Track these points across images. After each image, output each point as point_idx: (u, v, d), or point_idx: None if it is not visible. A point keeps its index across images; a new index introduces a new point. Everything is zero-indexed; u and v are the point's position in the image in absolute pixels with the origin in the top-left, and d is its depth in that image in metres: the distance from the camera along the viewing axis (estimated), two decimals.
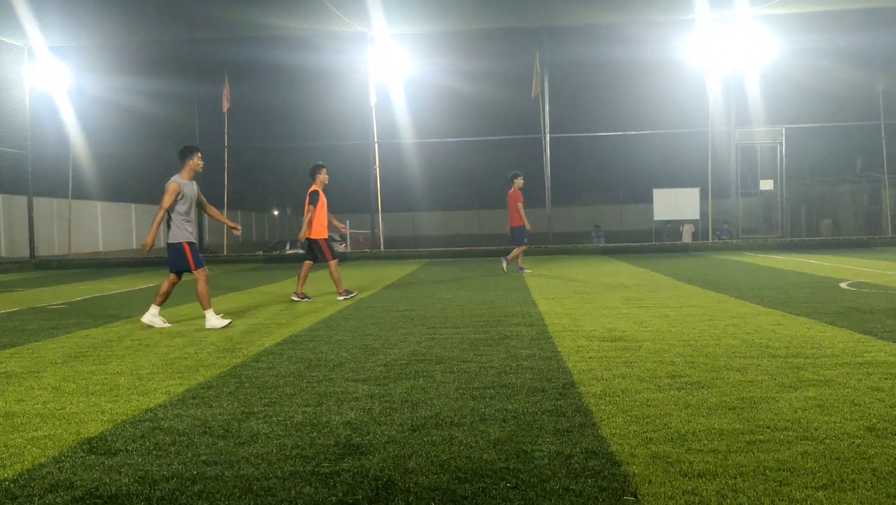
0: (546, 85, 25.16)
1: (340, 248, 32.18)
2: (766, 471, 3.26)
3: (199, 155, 8.63)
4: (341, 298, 11.25)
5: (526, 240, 15.72)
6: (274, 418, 4.38)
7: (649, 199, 27.73)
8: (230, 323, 8.56)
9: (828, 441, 3.64)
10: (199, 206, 8.83)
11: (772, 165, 25.50)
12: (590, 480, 3.22)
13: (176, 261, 8.61)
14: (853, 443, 3.60)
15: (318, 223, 11.35)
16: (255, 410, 4.60)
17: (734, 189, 25.79)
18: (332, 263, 11.45)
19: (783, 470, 3.27)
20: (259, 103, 35.23)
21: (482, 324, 8.06)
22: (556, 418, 4.18)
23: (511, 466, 3.42)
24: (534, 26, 25.19)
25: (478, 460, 3.52)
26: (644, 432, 3.88)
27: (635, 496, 3.03)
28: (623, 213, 42.90)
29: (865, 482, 3.10)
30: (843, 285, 11.11)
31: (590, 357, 5.96)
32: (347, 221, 31.74)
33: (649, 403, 4.47)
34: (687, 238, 29.17)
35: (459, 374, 5.45)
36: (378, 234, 26.12)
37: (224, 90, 26.19)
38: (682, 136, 28.63)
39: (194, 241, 8.65)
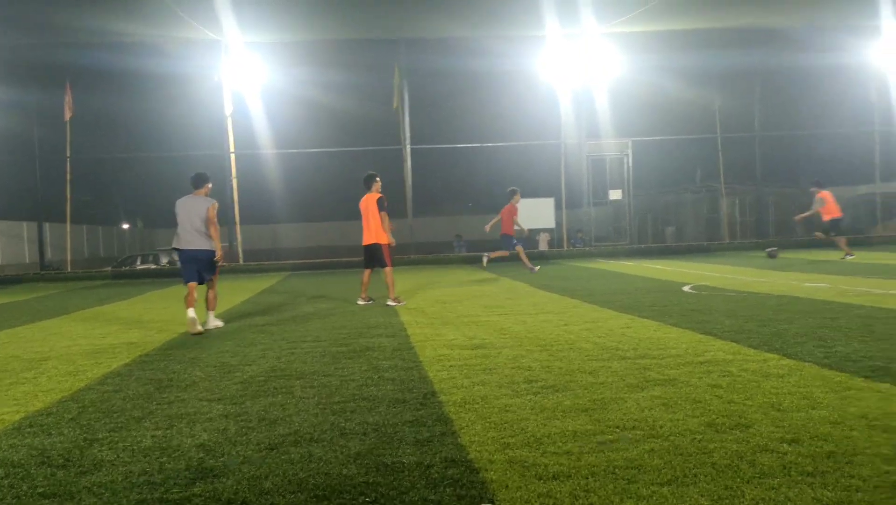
0: (406, 96, 25.36)
1: None
2: (616, 470, 3.40)
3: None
4: (391, 303, 11.22)
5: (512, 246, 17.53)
6: (120, 444, 4.13)
7: None
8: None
9: (672, 438, 3.83)
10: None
11: (620, 176, 26.84)
12: (448, 489, 3.23)
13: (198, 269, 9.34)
14: (695, 439, 3.81)
15: (384, 228, 11.46)
16: (100, 436, 4.32)
17: (586, 199, 26.93)
18: (390, 269, 11.53)
19: (631, 468, 3.41)
20: (106, 112, 33.36)
21: (344, 336, 7.97)
22: (416, 429, 4.18)
23: (371, 480, 3.39)
24: (391, 38, 25.32)
25: (337, 476, 3.46)
26: (502, 438, 3.94)
27: (492, 502, 3.07)
28: (484, 222, 43.82)
29: (706, 476, 3.28)
30: (685, 289, 11.81)
31: (451, 366, 6.01)
32: None
33: (507, 408, 4.56)
34: (543, 246, 30.14)
35: (320, 388, 5.36)
36: (237, 246, 25.35)
37: (66, 98, 24.69)
38: (538, 148, 29.60)
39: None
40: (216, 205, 9.41)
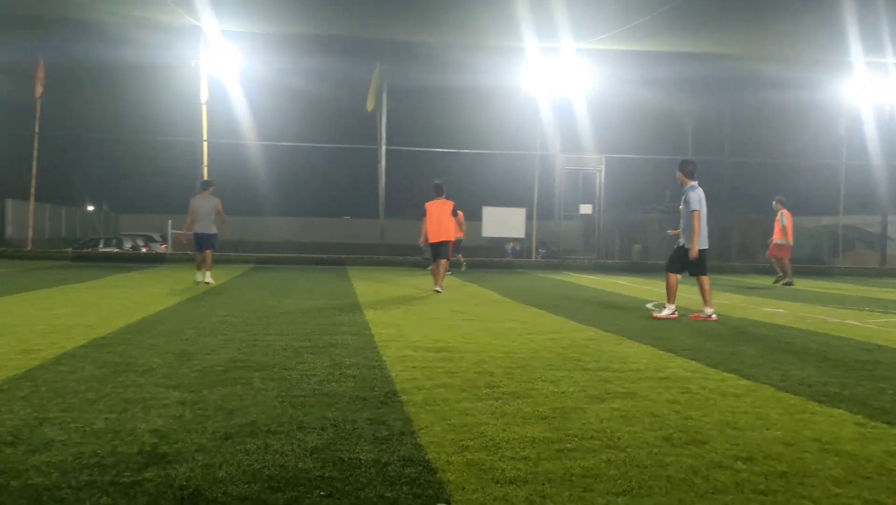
0: (385, 97, 25.32)
1: (161, 248, 30.64)
2: (573, 477, 3.41)
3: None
4: (438, 289, 13.49)
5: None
6: (72, 425, 4.05)
7: (479, 217, 28.55)
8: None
9: (629, 450, 3.86)
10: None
11: (592, 191, 27.05)
12: (405, 488, 3.22)
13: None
14: (651, 451, 3.84)
15: (460, 229, 14.78)
16: (51, 415, 4.23)
17: (557, 211, 27.08)
18: (446, 262, 14.13)
19: (588, 477, 3.42)
20: (80, 91, 32.81)
21: (307, 332, 7.91)
22: (375, 427, 4.16)
23: (327, 475, 3.36)
24: (371, 38, 25.27)
25: (293, 469, 3.43)
26: (461, 440, 3.94)
27: (448, 503, 3.07)
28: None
29: (661, 488, 3.31)
30: (648, 305, 11.92)
31: (413, 367, 6.00)
32: (170, 221, 30.30)
33: (468, 412, 4.56)
34: (511, 256, 30.27)
35: (280, 381, 5.31)
36: None
37: (38, 74, 24.24)
38: (513, 158, 29.79)
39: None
40: (221, 203, 14.82)
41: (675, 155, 28.87)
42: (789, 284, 17.93)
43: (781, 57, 25.80)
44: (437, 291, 13.44)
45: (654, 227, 35.00)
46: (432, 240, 13.68)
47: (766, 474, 3.51)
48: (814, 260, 29.40)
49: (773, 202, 18.56)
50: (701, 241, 9.86)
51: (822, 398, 5.14)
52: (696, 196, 9.88)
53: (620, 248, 34.87)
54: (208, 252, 14.65)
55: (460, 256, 21.60)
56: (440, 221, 13.60)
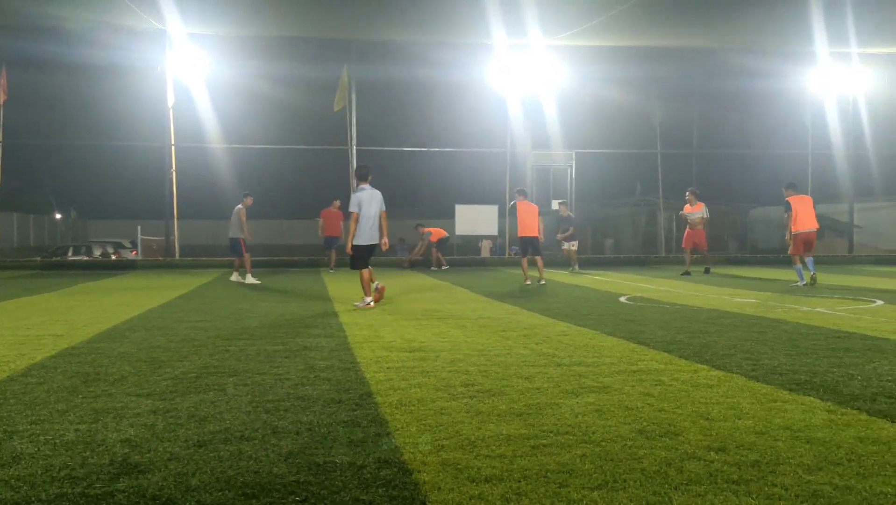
0: (353, 97, 25.23)
1: (131, 255, 30.28)
2: (548, 473, 3.42)
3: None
4: (543, 282, 15.47)
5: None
6: (41, 437, 3.98)
7: (452, 215, 28.54)
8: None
9: (603, 444, 3.88)
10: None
11: (563, 187, 27.15)
12: (381, 490, 3.21)
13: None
14: (626, 445, 3.86)
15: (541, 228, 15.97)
16: (20, 428, 4.16)
17: None
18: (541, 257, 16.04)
19: (563, 472, 3.44)
20: (42, 98, 32.28)
21: (281, 335, 7.87)
22: (350, 429, 4.15)
23: (302, 480, 3.34)
24: (338, 38, 25.17)
25: (267, 475, 3.40)
26: (436, 440, 3.94)
27: (425, 503, 3.06)
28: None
29: (635, 481, 3.33)
30: (622, 299, 12.01)
31: (388, 367, 5.98)
32: (139, 227, 29.93)
33: (443, 411, 4.56)
34: (485, 253, 30.31)
35: (253, 386, 5.27)
36: (173, 241, 24.79)
37: (0, 81, 23.82)
38: (484, 156, 29.77)
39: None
40: (243, 211, 16.40)
41: (644, 149, 29.10)
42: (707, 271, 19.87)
43: (748, 47, 26.13)
44: (528, 283, 15.27)
45: (625, 222, 35.24)
46: (524, 234, 15.67)
47: (738, 464, 3.55)
48: (785, 249, 29.79)
49: (687, 193, 19.48)
50: (363, 238, 10.86)
51: (793, 386, 5.21)
52: (355, 198, 10.87)
53: (593, 243, 35.03)
54: (242, 256, 16.38)
55: (440, 255, 22.72)
56: (530, 219, 15.55)
